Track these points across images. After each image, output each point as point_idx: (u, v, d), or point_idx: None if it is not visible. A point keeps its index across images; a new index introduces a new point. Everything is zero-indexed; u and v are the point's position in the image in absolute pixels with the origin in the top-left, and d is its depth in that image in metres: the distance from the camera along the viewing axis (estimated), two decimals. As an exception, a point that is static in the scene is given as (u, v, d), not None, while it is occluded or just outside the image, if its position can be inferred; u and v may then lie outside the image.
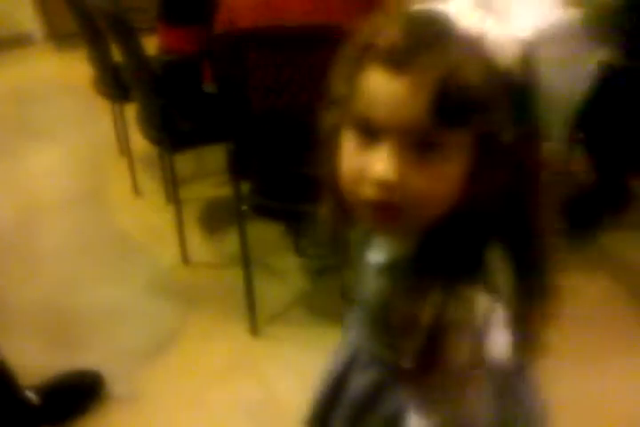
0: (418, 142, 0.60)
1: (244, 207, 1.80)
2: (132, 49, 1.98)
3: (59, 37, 4.42)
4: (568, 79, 1.88)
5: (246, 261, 1.88)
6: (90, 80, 2.72)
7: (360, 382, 0.86)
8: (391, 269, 0.71)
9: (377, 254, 0.74)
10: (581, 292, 1.95)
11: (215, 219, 2.50)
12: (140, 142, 2.47)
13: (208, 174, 2.73)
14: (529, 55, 0.63)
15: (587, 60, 1.89)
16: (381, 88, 0.60)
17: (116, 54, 2.23)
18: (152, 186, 2.70)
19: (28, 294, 2.14)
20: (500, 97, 0.60)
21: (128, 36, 1.97)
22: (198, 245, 2.33)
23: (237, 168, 1.77)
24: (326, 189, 0.72)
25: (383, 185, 0.60)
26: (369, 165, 0.61)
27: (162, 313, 2.02)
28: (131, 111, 2.46)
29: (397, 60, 0.58)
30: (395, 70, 0.59)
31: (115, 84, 2.45)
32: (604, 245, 2.17)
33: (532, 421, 0.84)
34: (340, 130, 0.66)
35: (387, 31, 0.60)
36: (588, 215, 2.22)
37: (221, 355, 1.85)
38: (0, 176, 2.92)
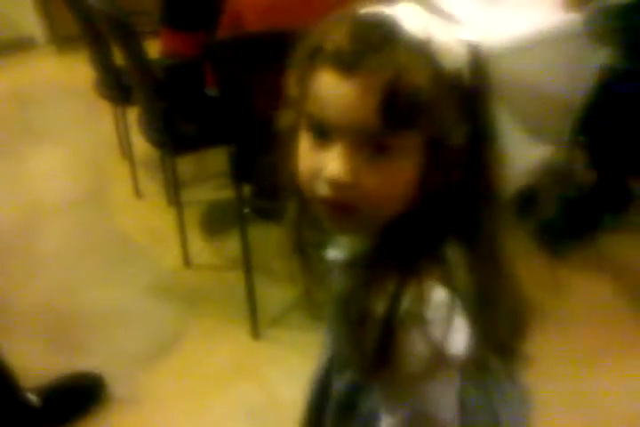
0: (368, 143, 0.61)
1: (246, 210, 1.80)
2: (134, 52, 1.99)
3: (61, 40, 4.42)
4: (570, 81, 1.88)
5: (248, 263, 1.88)
6: (92, 83, 2.72)
7: (337, 385, 0.86)
8: (350, 266, 0.72)
9: (336, 252, 0.75)
10: (581, 292, 1.96)
11: (217, 221, 2.50)
12: (141, 145, 2.47)
13: (210, 177, 2.73)
14: (478, 57, 0.63)
15: (588, 63, 1.89)
16: (331, 90, 0.61)
17: (118, 57, 2.23)
18: (154, 188, 2.70)
19: (29, 296, 2.14)
20: (447, 99, 0.60)
21: (130, 39, 1.97)
22: (200, 247, 2.33)
23: (239, 171, 1.77)
24: (288, 189, 0.73)
25: (336, 184, 0.62)
26: (323, 165, 0.63)
27: (163, 316, 2.02)
28: (132, 114, 2.46)
29: (345, 63, 0.59)
30: (343, 73, 0.60)
31: (117, 87, 2.45)
32: (604, 246, 2.17)
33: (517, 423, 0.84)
34: (296, 130, 0.67)
35: (334, 34, 0.61)
36: (588, 215, 2.22)
37: (223, 358, 1.85)
38: (2, 178, 2.92)
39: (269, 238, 2.51)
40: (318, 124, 0.63)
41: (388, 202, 0.64)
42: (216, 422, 1.65)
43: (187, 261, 2.26)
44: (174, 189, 2.27)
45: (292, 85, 0.66)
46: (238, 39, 1.61)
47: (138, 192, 2.70)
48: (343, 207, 0.63)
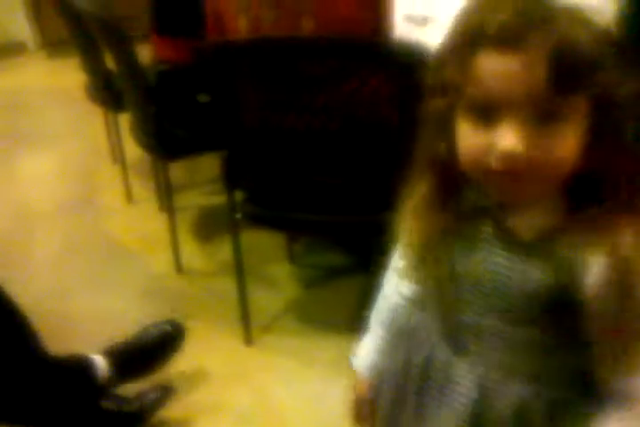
0: (537, 113, 0.63)
1: (238, 216, 1.79)
2: (126, 57, 1.98)
3: (52, 45, 4.41)
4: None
5: (240, 269, 1.87)
6: (83, 88, 2.71)
7: (507, 399, 0.77)
8: (536, 246, 0.71)
9: (510, 236, 0.74)
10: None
11: (209, 227, 2.49)
12: (133, 150, 2.46)
13: (202, 182, 2.72)
14: (616, 13, 0.67)
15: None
16: (497, 69, 0.63)
17: (109, 62, 2.23)
18: (145, 194, 2.69)
19: (20, 301, 2.12)
20: (609, 57, 0.63)
21: (121, 43, 1.97)
22: (191, 253, 2.32)
23: (231, 177, 1.76)
24: (425, 169, 0.76)
25: (510, 157, 0.64)
26: (493, 141, 0.65)
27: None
28: (124, 119, 2.45)
29: (511, 40, 0.62)
30: (509, 50, 0.62)
31: (108, 92, 2.45)
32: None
33: None
34: (451, 114, 0.69)
35: (495, 14, 0.63)
36: None
37: (215, 364, 1.83)
38: (-8, 184, 2.91)
39: (261, 244, 2.52)
40: (484, 105, 0.65)
41: (557, 167, 0.66)
42: (208, 429, 1.65)
43: (178, 267, 2.25)
44: (166, 195, 2.26)
45: (447, 70, 0.67)
46: (229, 44, 1.60)
47: (129, 197, 2.69)
48: (515, 177, 0.66)
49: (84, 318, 2.03)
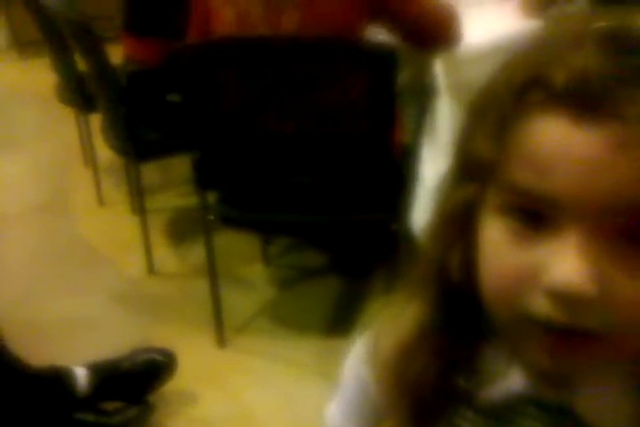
0: (626, 230, 0.39)
1: (211, 217, 1.78)
2: (96, 58, 1.97)
3: (22, 45, 4.35)
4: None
5: (213, 271, 1.87)
6: (54, 89, 2.68)
7: None
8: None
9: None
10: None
11: (182, 229, 2.48)
12: (104, 152, 2.44)
13: (175, 184, 2.71)
14: None
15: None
16: (565, 144, 0.39)
17: (81, 63, 2.21)
18: (117, 196, 2.67)
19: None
20: None
21: (92, 44, 1.95)
22: (164, 255, 2.31)
23: (203, 178, 1.76)
24: (426, 286, 0.50)
25: (570, 297, 0.39)
26: (540, 265, 0.40)
27: (126, 325, 1.99)
28: (96, 120, 2.43)
29: (595, 100, 0.39)
30: (589, 115, 0.39)
31: (79, 93, 2.43)
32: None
33: None
34: (477, 210, 0.45)
35: (568, 58, 0.40)
36: None
37: (188, 367, 1.82)
38: (-39, 186, 2.86)
39: (235, 246, 2.51)
40: (533, 200, 0.41)
41: None
42: (181, 432, 1.64)
43: (151, 269, 2.24)
44: (138, 197, 2.25)
45: (476, 143, 0.44)
46: (201, 45, 1.60)
47: (101, 200, 2.67)
48: (574, 336, 0.40)
49: (55, 323, 2.00)
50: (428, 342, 0.49)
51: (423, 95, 1.68)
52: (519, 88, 0.42)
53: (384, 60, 1.37)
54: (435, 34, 1.55)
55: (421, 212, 1.54)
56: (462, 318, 0.48)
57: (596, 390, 0.46)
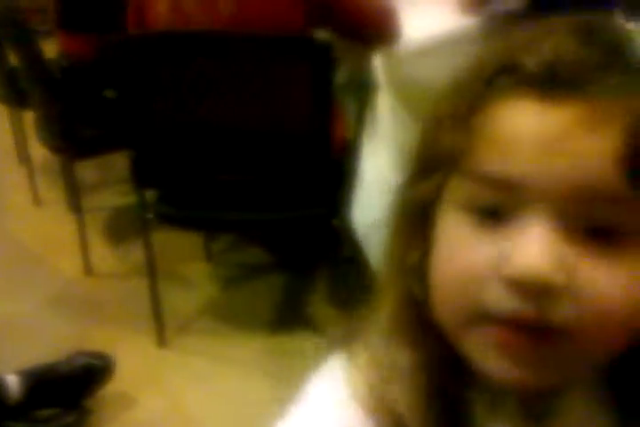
0: (591, 219, 0.38)
1: (149, 216, 1.76)
2: (29, 52, 1.93)
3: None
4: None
5: (152, 269, 1.83)
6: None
7: None
8: None
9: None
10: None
11: (120, 228, 2.43)
12: (39, 150, 2.38)
13: (113, 182, 2.65)
14: None
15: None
16: (530, 124, 0.38)
17: (13, 58, 2.15)
18: (53, 195, 2.60)
19: None
20: None
21: (24, 38, 1.91)
22: (102, 255, 2.26)
23: (141, 176, 1.73)
24: (393, 281, 0.46)
25: (532, 284, 0.37)
26: (503, 255, 0.38)
27: (63, 328, 1.94)
28: (29, 117, 2.37)
29: (563, 82, 0.38)
30: (557, 96, 0.38)
31: (11, 89, 2.36)
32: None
33: None
34: (435, 203, 0.43)
35: (541, 44, 0.40)
36: None
37: (127, 369, 1.78)
38: None
39: (176, 244, 2.48)
40: (497, 186, 0.39)
41: (621, 320, 0.38)
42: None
43: (88, 270, 2.18)
44: (75, 196, 2.20)
45: (441, 132, 0.42)
46: (135, 38, 1.57)
47: (37, 200, 2.60)
48: (539, 331, 0.37)
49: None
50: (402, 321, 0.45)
51: (363, 90, 1.69)
52: (489, 74, 0.41)
53: (320, 53, 1.37)
54: (373, 29, 1.55)
55: (362, 207, 1.55)
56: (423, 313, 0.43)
57: (569, 404, 0.43)
